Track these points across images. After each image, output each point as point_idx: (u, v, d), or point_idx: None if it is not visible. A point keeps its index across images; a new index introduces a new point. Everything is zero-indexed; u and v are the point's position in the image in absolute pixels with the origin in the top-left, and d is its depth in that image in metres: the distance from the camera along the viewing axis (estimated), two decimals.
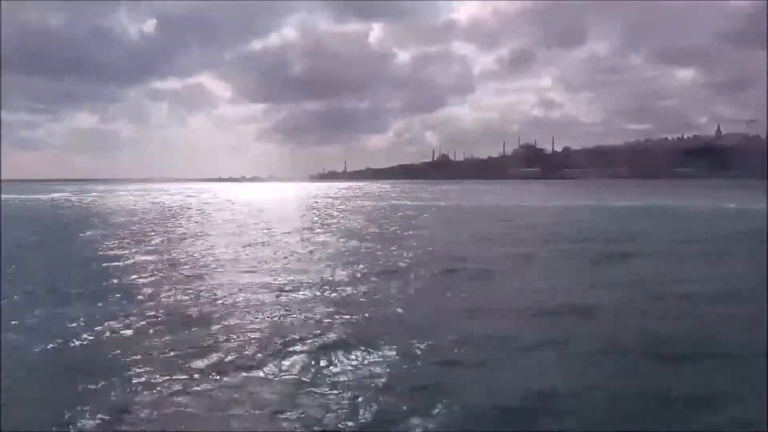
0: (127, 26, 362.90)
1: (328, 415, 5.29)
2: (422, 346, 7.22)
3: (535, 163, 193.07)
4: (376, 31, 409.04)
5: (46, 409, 5.51)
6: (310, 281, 11.72)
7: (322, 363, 6.70)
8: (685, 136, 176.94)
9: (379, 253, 16.03)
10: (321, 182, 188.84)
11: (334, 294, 10.51)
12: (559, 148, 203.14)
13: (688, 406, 5.56)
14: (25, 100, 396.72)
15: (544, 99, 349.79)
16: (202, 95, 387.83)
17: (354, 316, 8.83)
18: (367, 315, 8.95)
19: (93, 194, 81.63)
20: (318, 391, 5.83)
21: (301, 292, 10.60)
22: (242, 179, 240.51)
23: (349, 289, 10.93)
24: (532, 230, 23.79)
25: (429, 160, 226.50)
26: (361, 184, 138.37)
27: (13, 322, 8.52)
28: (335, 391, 5.83)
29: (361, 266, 13.70)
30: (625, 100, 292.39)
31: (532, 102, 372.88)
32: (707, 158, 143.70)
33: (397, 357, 6.89)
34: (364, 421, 5.17)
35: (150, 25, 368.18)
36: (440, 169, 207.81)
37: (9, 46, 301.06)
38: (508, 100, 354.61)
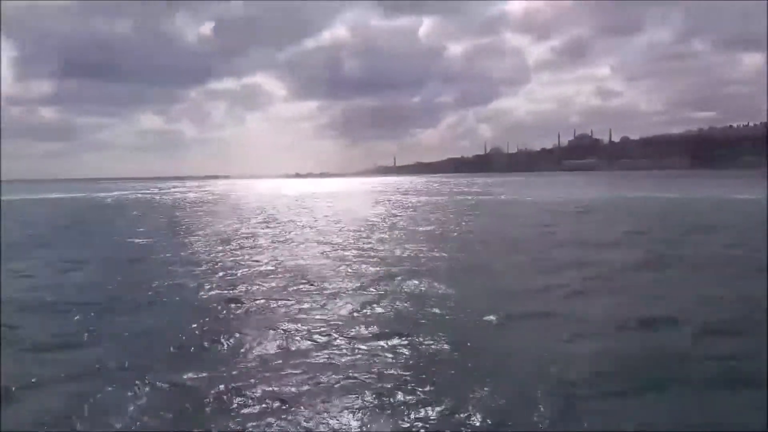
0: (187, 30, 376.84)
1: None
2: None
3: (591, 154, 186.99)
4: (426, 26, 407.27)
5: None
6: None
7: None
8: (752, 124, 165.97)
9: None
10: (374, 177, 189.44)
11: None
12: (617, 139, 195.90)
13: None
14: (95, 104, 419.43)
15: (602, 88, 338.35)
16: (258, 94, 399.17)
17: None
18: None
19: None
20: None
21: None
22: (296, 176, 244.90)
23: None
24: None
25: (481, 153, 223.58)
26: (422, 179, 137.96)
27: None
28: None
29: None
30: (689, 87, 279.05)
31: (590, 92, 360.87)
32: None
33: None
34: None
35: (208, 28, 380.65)
36: (491, 162, 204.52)
37: (80, 54, 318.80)
38: (564, 91, 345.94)
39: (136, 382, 5.56)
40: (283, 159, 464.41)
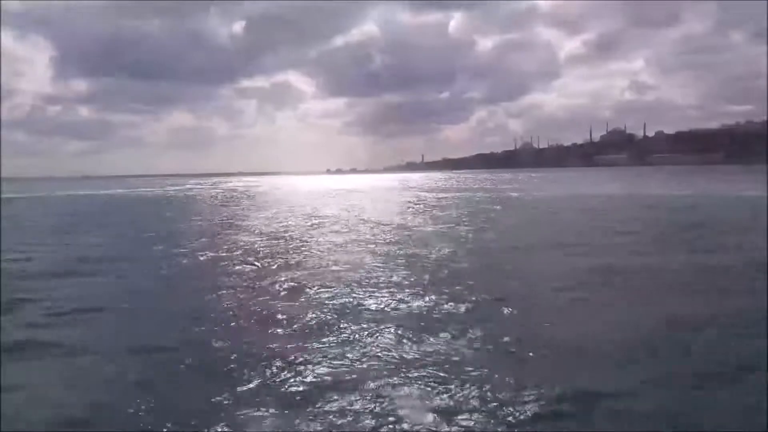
0: (218, 28, 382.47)
1: None
2: None
3: (623, 149, 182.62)
4: (455, 21, 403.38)
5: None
6: None
7: None
8: None
9: None
10: (402, 173, 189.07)
11: None
12: (651, 133, 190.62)
13: None
14: (128, 102, 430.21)
15: (636, 82, 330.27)
16: (288, 92, 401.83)
17: None
18: None
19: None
20: None
21: None
22: (327, 172, 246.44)
23: None
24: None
25: (511, 148, 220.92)
26: (446, 175, 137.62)
27: None
28: None
29: None
30: (725, 80, 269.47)
31: (624, 86, 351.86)
32: None
33: None
34: None
35: (239, 27, 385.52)
36: (520, 157, 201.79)
37: (114, 53, 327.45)
38: (597, 85, 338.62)
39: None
40: (312, 155, 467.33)
